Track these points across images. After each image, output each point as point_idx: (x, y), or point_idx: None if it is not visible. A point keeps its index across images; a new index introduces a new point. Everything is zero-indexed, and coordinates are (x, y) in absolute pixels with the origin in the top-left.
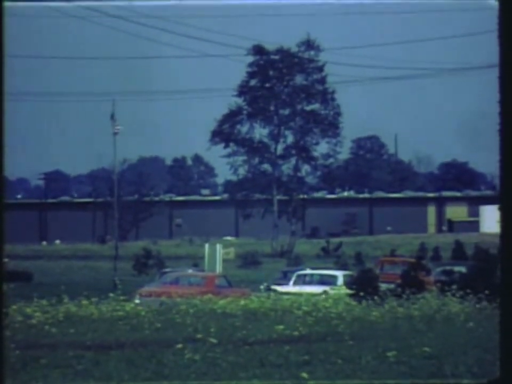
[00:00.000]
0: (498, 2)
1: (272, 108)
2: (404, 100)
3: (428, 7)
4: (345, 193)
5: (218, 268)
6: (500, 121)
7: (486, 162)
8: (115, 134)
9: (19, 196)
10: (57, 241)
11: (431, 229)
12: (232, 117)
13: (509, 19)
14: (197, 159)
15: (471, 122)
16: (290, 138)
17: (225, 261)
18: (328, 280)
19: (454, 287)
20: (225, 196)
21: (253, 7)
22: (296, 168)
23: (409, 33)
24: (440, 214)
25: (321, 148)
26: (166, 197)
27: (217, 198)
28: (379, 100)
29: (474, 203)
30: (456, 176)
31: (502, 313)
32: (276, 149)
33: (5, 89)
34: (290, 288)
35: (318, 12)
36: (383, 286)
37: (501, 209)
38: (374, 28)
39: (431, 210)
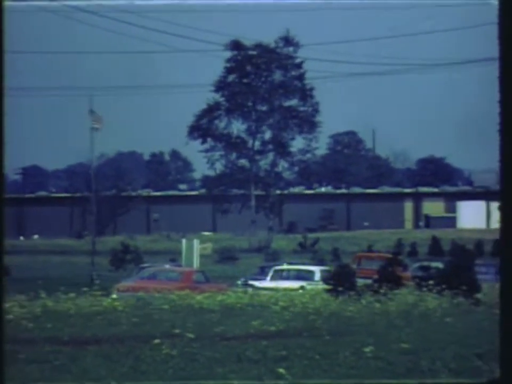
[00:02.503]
0: (498, 2)
1: (250, 104)
2: (381, 95)
3: (406, 3)
4: (323, 189)
5: (196, 263)
6: (500, 121)
7: (463, 158)
8: (93, 129)
9: None
10: (35, 236)
11: (408, 224)
12: (210, 112)
13: (509, 18)
14: (175, 154)
15: (449, 118)
16: (268, 134)
17: (202, 256)
18: (305, 276)
19: (431, 282)
20: (203, 191)
21: (231, 2)
22: (274, 164)
23: (388, 29)
24: (417, 210)
25: (299, 143)
26: (144, 192)
27: (194, 193)
28: (357, 95)
29: (451, 199)
30: (433, 172)
31: (502, 313)
32: (253, 144)
33: (4, 85)
34: (268, 283)
35: (296, 8)
36: (360, 282)
37: (500, 208)
38: (351, 24)
39: (408, 206)
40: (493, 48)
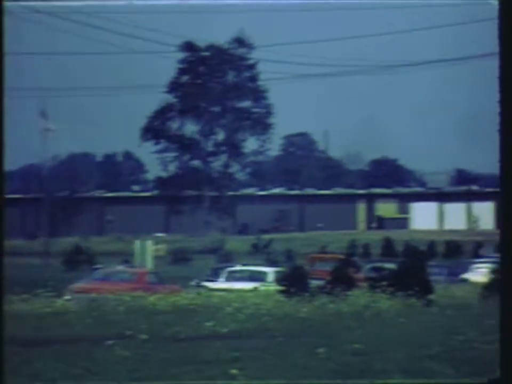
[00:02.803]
0: (498, 2)
1: (203, 105)
2: (334, 97)
3: (358, 5)
4: (276, 190)
5: (149, 264)
6: (500, 121)
7: (416, 159)
8: (45, 130)
9: None
10: None
11: (361, 225)
12: (163, 113)
13: (509, 18)
14: (128, 155)
15: (402, 119)
16: (221, 135)
17: (156, 257)
18: (259, 277)
19: (384, 283)
20: (156, 192)
21: (184, 4)
22: (227, 165)
23: (341, 31)
24: (370, 211)
25: (252, 144)
26: (97, 193)
27: (148, 194)
28: (310, 96)
29: (404, 200)
30: (386, 173)
31: (501, 313)
32: (206, 145)
33: (4, 85)
34: (221, 284)
35: (250, 9)
36: (313, 283)
37: (500, 208)
38: (305, 26)
39: (361, 207)
40: (445, 49)
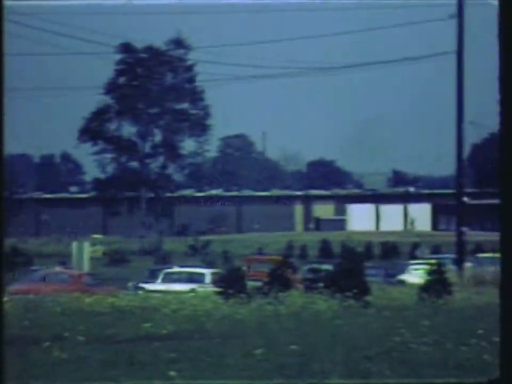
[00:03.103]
0: (498, 2)
1: (140, 106)
2: (272, 98)
3: (298, 6)
4: (214, 192)
5: (86, 266)
6: (500, 121)
7: (353, 161)
8: None
9: None
10: None
11: (299, 227)
12: (100, 114)
13: (509, 18)
14: (65, 156)
15: (340, 121)
16: (158, 137)
17: (93, 258)
18: (196, 278)
19: (321, 285)
20: (93, 193)
21: (122, 4)
22: (164, 166)
23: (278, 33)
24: (307, 212)
25: (189, 146)
26: (34, 195)
27: (85, 195)
28: (247, 98)
29: (341, 201)
30: (323, 175)
31: (502, 313)
32: (144, 147)
33: (4, 86)
34: (158, 286)
35: (188, 10)
36: (251, 284)
37: (500, 209)
38: (245, 28)
39: (299, 208)
40: (383, 52)
